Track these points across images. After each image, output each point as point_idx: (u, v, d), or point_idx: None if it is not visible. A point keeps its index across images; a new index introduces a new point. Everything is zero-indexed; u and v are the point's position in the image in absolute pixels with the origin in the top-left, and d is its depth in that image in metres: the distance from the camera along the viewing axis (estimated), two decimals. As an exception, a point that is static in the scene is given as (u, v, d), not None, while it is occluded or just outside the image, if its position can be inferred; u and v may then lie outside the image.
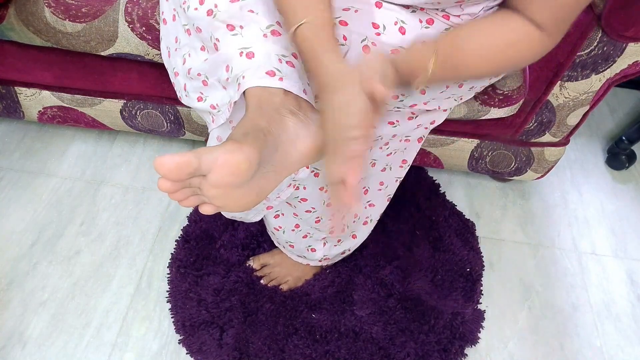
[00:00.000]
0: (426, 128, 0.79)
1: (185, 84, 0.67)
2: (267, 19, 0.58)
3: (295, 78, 0.55)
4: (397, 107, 0.70)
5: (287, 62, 0.56)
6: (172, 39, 0.68)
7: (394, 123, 0.73)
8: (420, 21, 0.63)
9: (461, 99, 0.76)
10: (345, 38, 0.61)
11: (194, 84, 0.66)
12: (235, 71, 0.56)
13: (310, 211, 0.81)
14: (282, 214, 0.87)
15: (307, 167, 0.70)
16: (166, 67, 0.73)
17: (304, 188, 0.77)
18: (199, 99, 0.66)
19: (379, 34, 0.61)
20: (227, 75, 0.57)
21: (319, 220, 0.83)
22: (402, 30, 0.62)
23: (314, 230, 0.87)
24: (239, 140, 0.49)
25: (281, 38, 0.57)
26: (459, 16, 0.64)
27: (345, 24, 0.61)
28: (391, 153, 0.80)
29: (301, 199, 0.79)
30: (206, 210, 0.52)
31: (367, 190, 0.87)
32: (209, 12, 0.59)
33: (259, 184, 0.51)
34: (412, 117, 0.74)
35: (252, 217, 0.84)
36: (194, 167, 0.45)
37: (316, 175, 0.75)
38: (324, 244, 0.92)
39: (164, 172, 0.45)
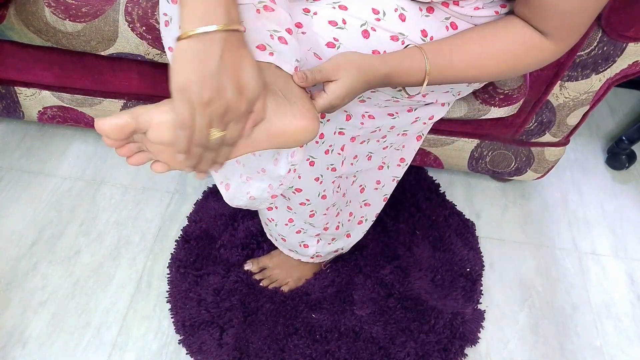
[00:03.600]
0: (424, 123, 0.78)
1: None
2: None
3: (287, 54, 0.54)
4: (395, 98, 0.70)
5: (279, 37, 0.54)
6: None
7: (393, 115, 0.72)
8: (421, 9, 0.63)
9: (459, 94, 0.76)
10: (344, 22, 0.60)
11: None
12: None
13: (305, 203, 0.79)
14: (276, 207, 0.86)
15: (302, 147, 0.65)
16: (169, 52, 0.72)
17: (299, 177, 0.76)
18: None
19: (378, 20, 0.61)
20: None
21: (314, 214, 0.82)
22: (402, 17, 0.62)
23: (307, 226, 0.86)
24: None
25: (274, 13, 0.56)
26: (457, 3, 0.63)
27: (345, 8, 0.61)
28: (387, 147, 0.79)
29: (295, 189, 0.77)
30: (157, 168, 0.54)
31: (363, 188, 0.87)
32: None
33: None
34: (412, 110, 0.74)
35: (258, 204, 0.83)
36: (131, 129, 0.50)
37: (312, 164, 0.74)
38: (318, 240, 0.92)
39: (105, 133, 0.50)
